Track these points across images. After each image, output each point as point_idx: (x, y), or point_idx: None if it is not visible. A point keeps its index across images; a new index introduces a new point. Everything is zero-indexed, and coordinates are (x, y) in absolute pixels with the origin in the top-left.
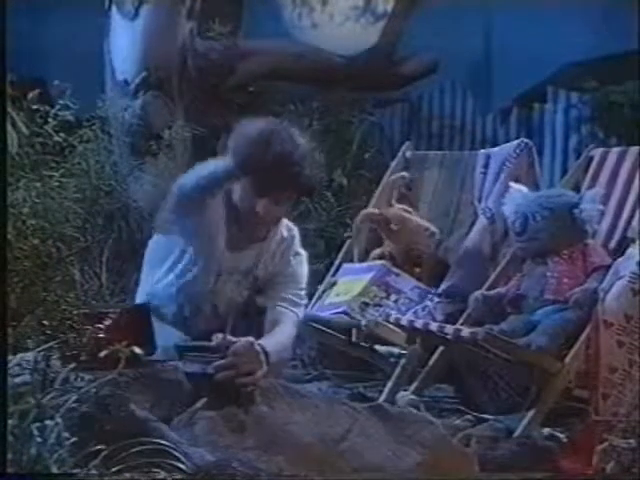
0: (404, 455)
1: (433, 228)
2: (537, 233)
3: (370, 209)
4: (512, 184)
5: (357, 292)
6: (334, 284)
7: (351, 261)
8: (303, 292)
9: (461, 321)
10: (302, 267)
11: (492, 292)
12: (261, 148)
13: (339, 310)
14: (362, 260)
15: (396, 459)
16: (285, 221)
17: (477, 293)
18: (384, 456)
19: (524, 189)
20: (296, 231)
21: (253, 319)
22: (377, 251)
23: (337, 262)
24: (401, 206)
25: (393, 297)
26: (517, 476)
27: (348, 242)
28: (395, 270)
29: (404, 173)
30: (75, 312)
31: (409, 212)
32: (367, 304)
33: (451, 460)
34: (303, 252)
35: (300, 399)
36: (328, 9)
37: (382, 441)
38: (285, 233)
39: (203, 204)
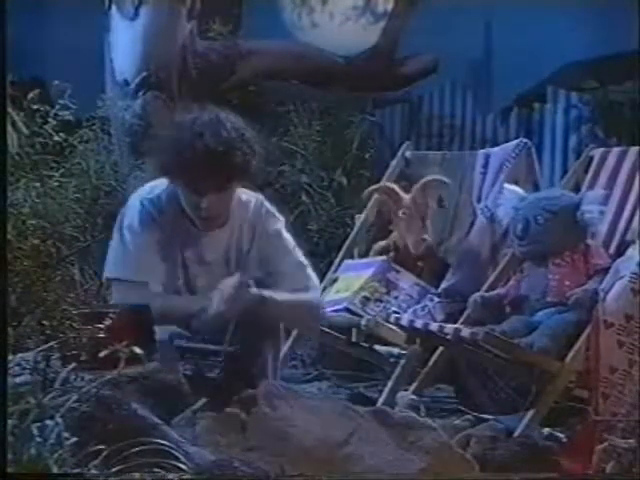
0: (407, 461)
1: (428, 238)
2: (540, 236)
3: (390, 184)
4: (506, 185)
5: (357, 287)
6: (335, 280)
7: (352, 258)
8: (300, 258)
9: (461, 322)
10: (284, 234)
11: (491, 294)
12: (179, 147)
13: (340, 306)
14: (363, 256)
15: (398, 465)
16: (244, 199)
17: (476, 295)
18: (386, 461)
19: (519, 190)
20: (262, 200)
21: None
22: (382, 243)
23: (338, 259)
24: (424, 202)
25: (393, 293)
26: (517, 476)
27: (349, 241)
28: (396, 267)
29: (444, 178)
30: (75, 312)
31: (425, 212)
32: (368, 299)
33: (453, 467)
34: (280, 217)
35: (302, 401)
36: (328, 9)
37: (384, 446)
38: (250, 212)
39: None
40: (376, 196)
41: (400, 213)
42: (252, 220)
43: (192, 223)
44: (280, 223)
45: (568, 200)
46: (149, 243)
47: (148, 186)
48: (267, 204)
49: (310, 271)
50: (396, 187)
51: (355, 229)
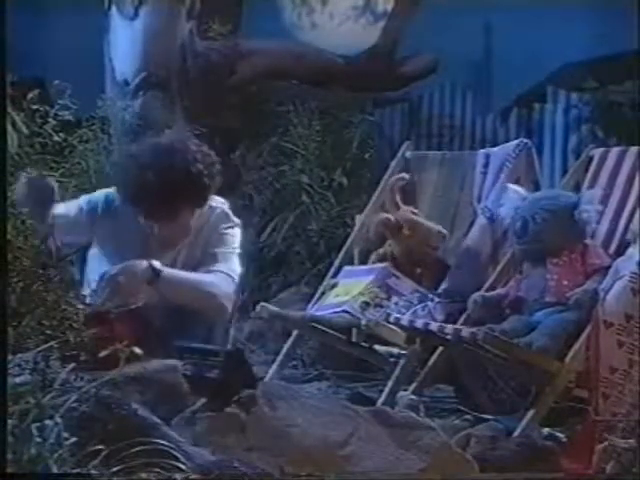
0: (407, 461)
1: (443, 230)
2: (538, 235)
3: (385, 215)
4: (509, 185)
5: (357, 292)
6: (334, 286)
7: (351, 262)
8: (234, 251)
9: (461, 322)
10: (233, 230)
11: (491, 294)
12: (136, 176)
13: (338, 309)
14: (362, 261)
15: (398, 465)
16: (205, 210)
17: (476, 295)
18: (386, 461)
19: (521, 190)
20: (222, 209)
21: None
22: (379, 251)
23: (337, 263)
24: (408, 208)
25: (394, 299)
26: (517, 476)
27: (348, 242)
28: (396, 273)
29: (403, 174)
30: (75, 312)
31: (416, 214)
32: (368, 304)
33: (453, 467)
34: (236, 220)
35: (302, 401)
36: (328, 9)
37: (384, 446)
38: (208, 222)
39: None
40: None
41: (405, 231)
42: (208, 230)
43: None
44: (235, 227)
45: (566, 200)
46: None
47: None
48: (227, 212)
49: (232, 262)
50: (390, 216)
51: (354, 232)
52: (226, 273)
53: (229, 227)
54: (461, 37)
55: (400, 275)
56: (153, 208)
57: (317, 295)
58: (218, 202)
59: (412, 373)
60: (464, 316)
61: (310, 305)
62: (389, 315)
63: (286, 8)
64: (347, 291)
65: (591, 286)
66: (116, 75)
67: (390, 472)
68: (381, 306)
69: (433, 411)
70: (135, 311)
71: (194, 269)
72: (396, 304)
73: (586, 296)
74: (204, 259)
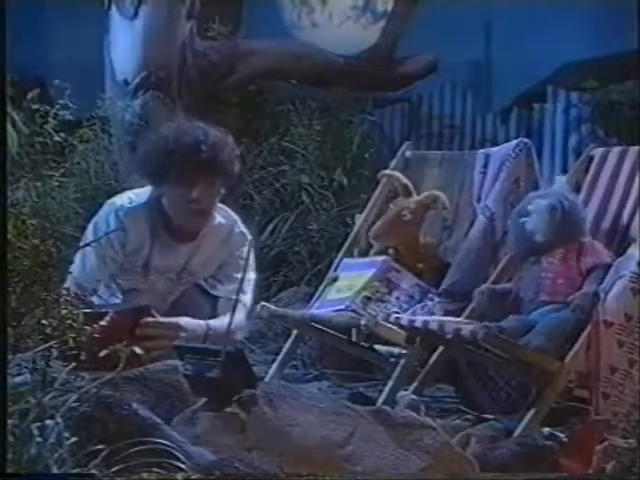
0: (407, 461)
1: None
2: (531, 234)
3: (403, 178)
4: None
5: (359, 287)
6: (336, 279)
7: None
8: (246, 276)
9: (465, 315)
10: (243, 250)
11: (498, 287)
12: (167, 147)
13: (341, 306)
14: (363, 255)
15: (398, 464)
16: (219, 217)
17: (483, 287)
18: (386, 461)
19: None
20: (235, 223)
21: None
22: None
23: (339, 258)
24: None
25: (395, 294)
26: (517, 476)
27: (349, 240)
28: (396, 266)
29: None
30: (75, 312)
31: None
32: (369, 299)
33: (453, 467)
34: (246, 233)
35: (302, 401)
36: (328, 9)
37: (384, 446)
38: (221, 236)
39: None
40: (384, 183)
41: (404, 213)
42: (228, 249)
43: (169, 233)
44: (247, 243)
45: (558, 197)
46: (112, 258)
47: (127, 196)
48: (239, 225)
49: (250, 292)
50: (409, 183)
51: (355, 228)
52: (244, 304)
53: (248, 251)
54: (461, 37)
55: (400, 268)
56: (191, 169)
57: (319, 291)
58: (229, 217)
59: (412, 373)
60: (469, 310)
61: (311, 302)
62: (389, 315)
63: (286, 8)
64: (349, 286)
65: (590, 289)
66: (116, 75)
67: (390, 472)
68: (382, 301)
69: (433, 411)
70: (135, 311)
71: (206, 280)
72: (397, 298)
73: (586, 300)
74: (224, 279)
